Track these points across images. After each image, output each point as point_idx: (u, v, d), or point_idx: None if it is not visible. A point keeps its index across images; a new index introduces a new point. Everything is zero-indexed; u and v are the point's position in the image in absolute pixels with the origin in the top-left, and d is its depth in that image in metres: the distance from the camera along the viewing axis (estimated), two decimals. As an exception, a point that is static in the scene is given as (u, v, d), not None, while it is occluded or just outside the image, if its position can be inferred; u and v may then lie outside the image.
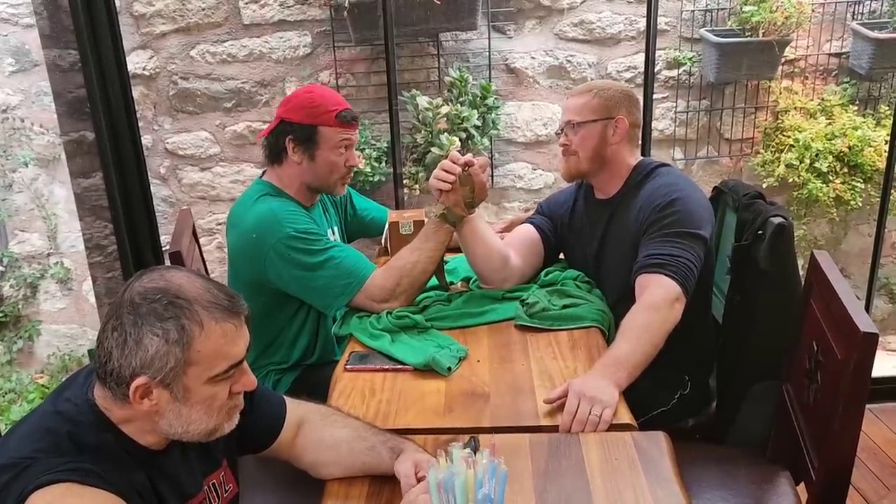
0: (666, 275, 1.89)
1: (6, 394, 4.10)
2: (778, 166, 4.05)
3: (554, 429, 1.62)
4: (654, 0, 2.79)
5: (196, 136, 4.00)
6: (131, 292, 1.20)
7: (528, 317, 2.02)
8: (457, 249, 2.18)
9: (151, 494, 1.25)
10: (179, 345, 1.18)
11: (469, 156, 2.06)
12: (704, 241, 1.98)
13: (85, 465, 1.16)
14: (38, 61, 3.89)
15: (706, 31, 3.97)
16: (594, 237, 2.16)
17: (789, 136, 4.06)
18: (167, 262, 2.40)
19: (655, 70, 3.79)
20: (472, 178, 2.05)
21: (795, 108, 4.12)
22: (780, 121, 4.13)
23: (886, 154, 3.01)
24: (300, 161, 2.15)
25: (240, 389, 1.28)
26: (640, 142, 2.35)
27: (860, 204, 4.05)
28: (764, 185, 4.02)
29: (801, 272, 2.09)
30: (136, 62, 3.79)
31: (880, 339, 1.60)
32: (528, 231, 2.26)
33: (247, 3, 3.82)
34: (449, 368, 1.83)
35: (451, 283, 2.26)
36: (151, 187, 2.95)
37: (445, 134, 3.71)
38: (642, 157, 2.18)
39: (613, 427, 1.61)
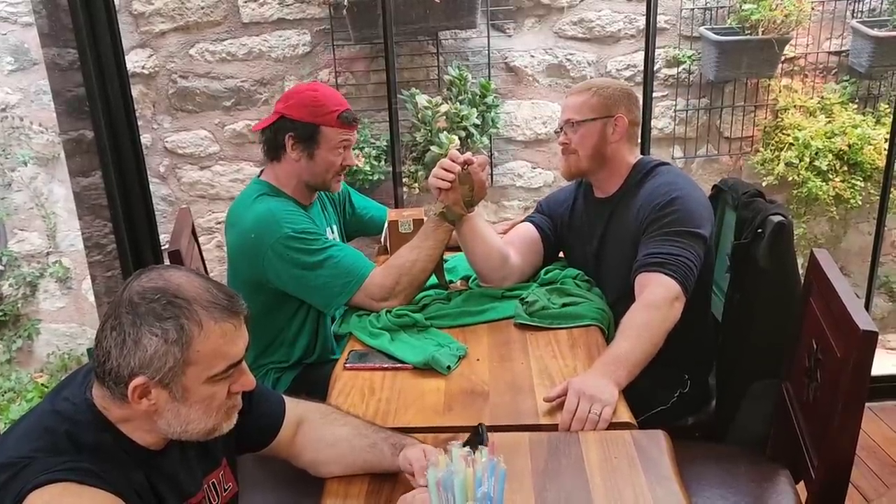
0: (666, 274, 1.89)
1: (5, 393, 4.10)
2: (777, 165, 4.04)
3: (553, 427, 1.62)
4: (653, -2, 2.79)
5: (195, 135, 3.99)
6: (130, 292, 1.20)
7: (528, 315, 2.02)
8: (456, 248, 2.18)
9: (150, 494, 1.25)
10: (178, 345, 1.18)
11: (468, 154, 2.06)
12: (704, 239, 1.98)
13: (83, 464, 1.16)
14: (37, 60, 3.88)
15: (706, 29, 3.97)
16: (594, 236, 2.16)
17: (789, 135, 4.06)
18: (166, 261, 2.40)
19: (655, 68, 3.79)
20: (471, 177, 2.05)
21: (795, 106, 4.12)
22: (779, 119, 4.13)
23: (886, 152, 3.01)
24: (298, 159, 2.15)
25: (238, 389, 1.28)
26: (639, 140, 2.35)
27: (860, 202, 4.05)
28: (763, 184, 4.02)
29: (800, 271, 2.09)
30: (135, 61, 3.79)
31: (880, 337, 1.60)
32: (527, 230, 2.26)
33: (246, 2, 3.82)
34: (448, 367, 1.83)
35: (451, 281, 2.26)
36: (151, 186, 2.95)
37: (445, 132, 3.71)
38: (642, 156, 2.18)
39: (613, 425, 1.61)
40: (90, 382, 1.25)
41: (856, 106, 4.12)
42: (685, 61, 4.04)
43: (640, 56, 3.89)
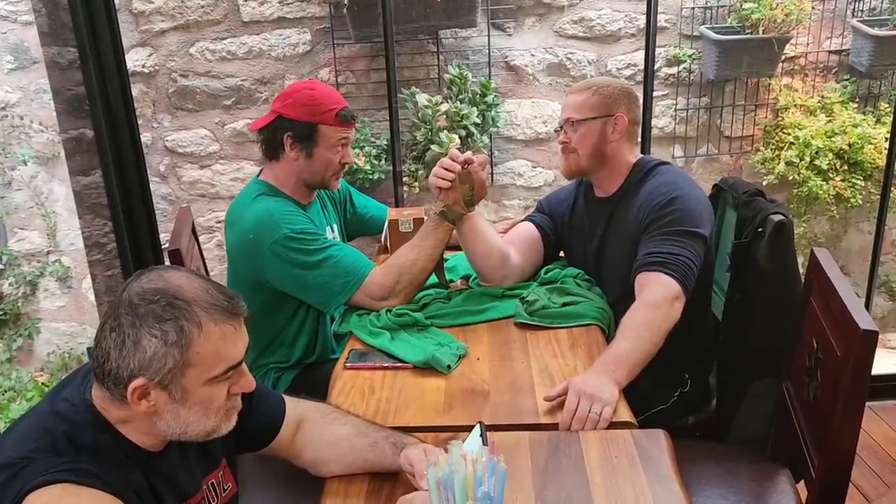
0: (666, 273, 1.89)
1: (5, 392, 4.10)
2: (778, 164, 4.04)
3: (554, 427, 1.62)
4: (653, -3, 2.79)
5: (195, 134, 3.99)
6: (130, 292, 1.20)
7: (528, 314, 2.02)
8: (456, 247, 2.18)
9: (149, 495, 1.25)
10: (178, 346, 1.18)
11: (468, 153, 2.06)
12: (704, 239, 1.98)
13: (82, 465, 1.16)
14: (37, 59, 3.88)
15: (706, 28, 3.97)
16: (594, 235, 2.16)
17: (789, 134, 4.06)
18: (167, 260, 2.40)
19: (655, 67, 3.79)
20: (471, 176, 2.05)
21: (795, 105, 4.11)
22: (780, 118, 4.13)
23: (886, 151, 3.01)
24: (297, 158, 2.15)
25: (238, 391, 1.28)
26: (639, 139, 2.35)
27: (860, 201, 4.04)
28: (764, 183, 4.02)
29: (800, 270, 2.09)
30: (135, 60, 3.79)
31: (880, 336, 1.60)
32: (528, 229, 2.26)
33: (246, 1, 3.81)
34: (449, 366, 1.82)
35: (451, 280, 2.26)
36: (151, 185, 2.95)
37: (445, 132, 3.70)
38: (642, 155, 2.18)
39: (613, 425, 1.61)
40: (90, 383, 1.25)
41: (856, 105, 4.12)
42: (685, 60, 4.03)
43: (641, 55, 3.88)
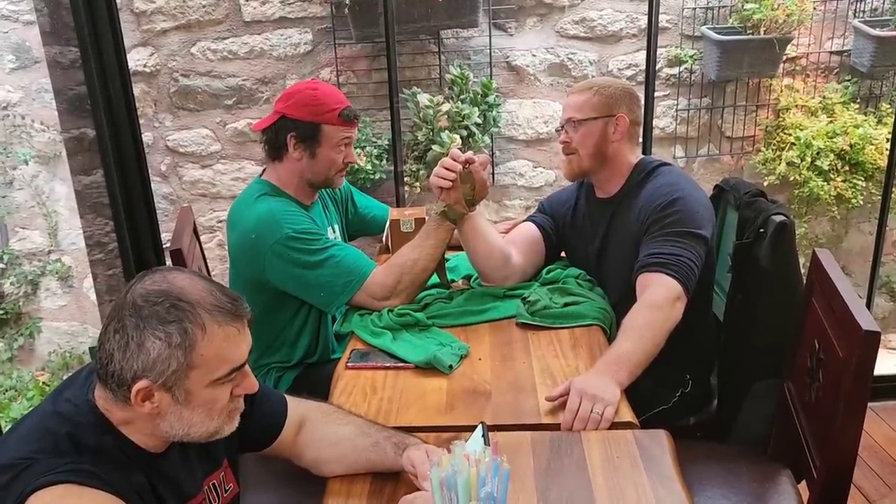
0: (667, 274, 1.89)
1: (6, 391, 4.10)
2: (779, 164, 4.04)
3: (556, 427, 1.62)
4: (655, -3, 2.79)
5: (197, 134, 3.99)
6: (133, 294, 1.20)
7: (530, 315, 2.02)
8: (458, 247, 2.18)
9: (151, 496, 1.25)
10: (182, 348, 1.18)
11: (470, 153, 2.06)
12: (705, 240, 1.98)
13: (85, 466, 1.16)
14: (38, 58, 3.88)
15: (707, 28, 3.97)
16: (596, 236, 2.16)
17: (790, 134, 4.05)
18: (168, 260, 2.40)
19: (656, 68, 3.78)
20: (472, 176, 2.05)
21: (797, 105, 4.11)
22: (781, 119, 4.13)
23: (888, 152, 3.01)
24: (300, 158, 2.15)
25: (241, 392, 1.28)
26: (640, 140, 2.35)
27: (861, 202, 4.04)
28: (765, 184, 4.01)
29: (802, 271, 2.09)
30: (136, 59, 3.78)
31: (881, 337, 1.60)
32: (529, 229, 2.26)
33: (247, 1, 3.81)
34: (450, 366, 1.83)
35: (453, 280, 2.26)
36: (152, 185, 2.95)
37: (446, 132, 3.70)
38: (643, 156, 2.18)
39: (615, 425, 1.61)
40: (92, 384, 1.25)
41: (857, 106, 4.11)
42: (687, 61, 4.03)
43: (642, 55, 3.88)
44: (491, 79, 3.87)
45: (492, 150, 4.02)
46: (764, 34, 3.87)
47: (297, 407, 1.53)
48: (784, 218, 1.98)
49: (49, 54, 2.77)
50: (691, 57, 4.03)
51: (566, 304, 2.05)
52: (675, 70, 4.06)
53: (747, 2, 3.87)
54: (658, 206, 1.99)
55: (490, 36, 3.90)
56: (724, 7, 4.01)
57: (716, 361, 2.25)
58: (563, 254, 2.32)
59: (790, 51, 4.03)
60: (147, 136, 3.81)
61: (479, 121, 3.77)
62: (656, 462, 1.49)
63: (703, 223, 1.98)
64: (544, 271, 2.22)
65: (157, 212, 2.98)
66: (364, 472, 1.48)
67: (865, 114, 4.12)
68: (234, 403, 1.28)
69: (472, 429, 1.48)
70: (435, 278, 2.19)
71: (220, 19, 3.83)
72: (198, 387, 1.21)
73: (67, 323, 4.38)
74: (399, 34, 3.48)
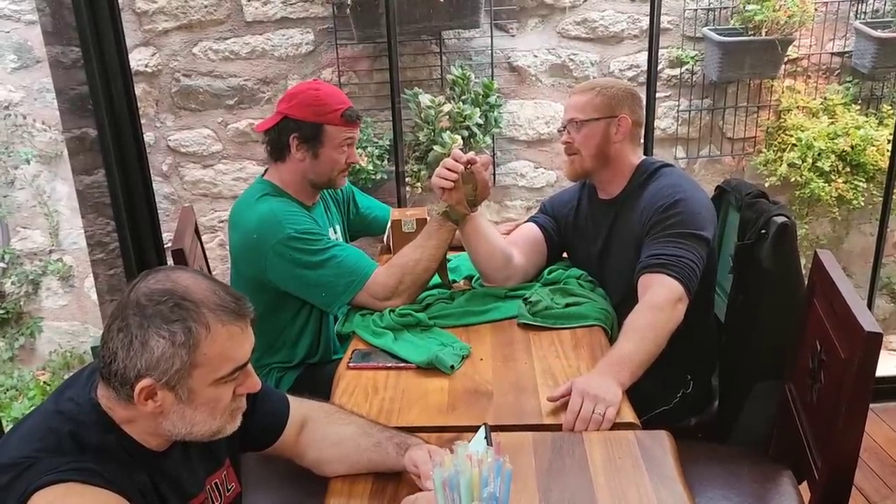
0: (669, 275, 1.89)
1: (7, 391, 4.10)
2: (780, 165, 4.04)
3: (557, 427, 1.62)
4: (657, -2, 2.79)
5: (198, 134, 3.99)
6: (137, 293, 1.20)
7: (531, 315, 2.02)
8: (459, 247, 2.18)
9: (153, 495, 1.25)
10: (185, 347, 1.18)
11: (471, 154, 2.06)
12: (707, 241, 1.98)
13: (87, 464, 1.16)
14: (40, 58, 3.88)
15: (709, 29, 3.96)
16: (598, 237, 2.16)
17: (792, 136, 4.05)
18: (169, 260, 2.40)
19: (658, 69, 3.78)
20: (474, 177, 2.06)
21: (798, 107, 4.11)
22: (782, 120, 4.13)
23: (889, 153, 3.01)
24: (303, 159, 2.15)
25: (244, 392, 1.28)
26: (642, 140, 2.35)
27: (862, 203, 4.04)
28: (766, 185, 4.01)
29: (803, 271, 2.09)
30: (138, 59, 3.78)
31: (882, 338, 1.60)
32: (531, 230, 2.26)
33: (249, 1, 3.81)
34: (452, 367, 1.83)
35: (454, 281, 2.26)
36: (153, 184, 2.95)
37: (448, 132, 3.70)
38: (645, 157, 2.18)
39: (617, 426, 1.61)
40: (95, 382, 1.25)
41: (859, 107, 4.11)
42: (688, 62, 4.03)
43: (643, 56, 3.88)
44: (492, 79, 3.87)
45: (493, 151, 4.02)
46: (765, 35, 3.86)
47: (299, 407, 1.53)
48: (785, 219, 1.98)
49: (51, 54, 2.77)
50: (693, 58, 4.03)
51: (568, 305, 2.05)
52: (677, 71, 4.06)
53: (749, 3, 3.86)
54: (660, 207, 1.99)
55: (491, 36, 3.90)
56: (725, 8, 4.01)
57: (717, 362, 2.25)
58: (564, 255, 2.32)
59: (791, 52, 4.03)
60: (148, 136, 3.81)
61: (481, 121, 3.77)
62: (658, 463, 1.49)
63: (704, 224, 1.99)
64: (546, 272, 2.22)
65: (159, 212, 2.98)
66: (366, 472, 1.48)
67: (867, 115, 4.12)
68: (237, 403, 1.28)
69: (473, 429, 1.48)
70: (436, 279, 2.19)
71: (221, 19, 3.84)
72: (201, 386, 1.21)
73: (68, 323, 4.38)
74: (400, 34, 3.47)
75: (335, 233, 2.34)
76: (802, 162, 3.99)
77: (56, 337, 4.37)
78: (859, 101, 4.14)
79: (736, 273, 2.11)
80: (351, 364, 1.88)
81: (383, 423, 1.55)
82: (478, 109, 3.76)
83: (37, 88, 4.02)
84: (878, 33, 3.91)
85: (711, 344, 2.22)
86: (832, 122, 4.04)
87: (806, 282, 1.98)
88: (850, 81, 4.16)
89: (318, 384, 1.92)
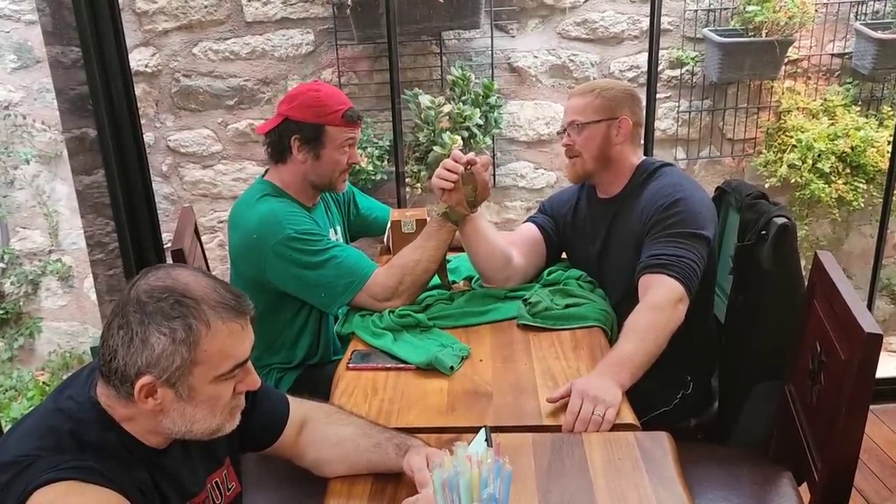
0: (669, 275, 1.89)
1: (6, 391, 4.10)
2: (780, 166, 4.04)
3: (557, 428, 1.62)
4: (657, -1, 2.79)
5: (198, 134, 3.99)
6: (137, 290, 1.20)
7: (531, 316, 2.02)
8: (459, 248, 2.18)
9: (154, 493, 1.25)
10: (186, 344, 1.18)
11: (471, 155, 2.06)
12: (707, 241, 1.98)
13: (87, 462, 1.16)
14: (40, 58, 3.88)
15: (709, 30, 3.97)
16: (597, 237, 2.16)
17: (792, 137, 4.05)
18: (169, 260, 2.40)
19: (658, 70, 3.78)
20: (474, 177, 2.06)
21: (798, 108, 4.11)
22: (782, 121, 4.13)
23: (889, 155, 3.01)
24: (305, 160, 2.15)
25: (244, 389, 1.28)
26: (642, 141, 2.35)
27: (862, 205, 4.04)
28: (766, 186, 4.01)
29: (803, 272, 2.08)
30: (138, 59, 3.78)
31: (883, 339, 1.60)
32: (530, 230, 2.26)
33: (249, 1, 3.81)
34: (451, 367, 1.82)
35: (454, 281, 2.26)
36: (153, 185, 2.95)
37: (447, 133, 3.70)
38: (645, 157, 2.18)
39: (616, 427, 1.61)
40: (94, 381, 1.25)
41: (859, 108, 4.12)
42: (688, 63, 4.03)
43: (644, 57, 3.88)
44: (492, 80, 3.87)
45: (493, 152, 4.02)
46: (765, 36, 3.87)
47: (298, 407, 1.53)
48: (785, 220, 1.98)
49: (51, 54, 2.77)
50: (693, 59, 4.03)
51: (567, 306, 2.05)
52: (677, 72, 4.06)
53: (749, 4, 3.87)
54: (660, 206, 1.99)
55: (492, 37, 3.90)
56: (725, 9, 4.01)
57: (717, 363, 2.25)
58: (563, 255, 2.32)
59: (791, 53, 4.03)
60: (148, 137, 3.81)
61: (481, 122, 3.77)
62: (657, 464, 1.49)
63: (705, 224, 1.98)
64: (545, 273, 2.22)
65: (158, 212, 2.98)
66: (365, 472, 1.48)
67: (867, 116, 4.12)
68: (236, 401, 1.28)
69: (472, 430, 1.48)
70: (436, 279, 2.19)
71: (221, 20, 3.84)
72: (201, 383, 1.21)
73: (68, 323, 4.38)
74: (401, 35, 3.48)
75: (336, 233, 2.34)
76: (802, 163, 3.99)
77: (55, 337, 4.37)
78: (859, 103, 4.14)
79: (736, 274, 2.11)
80: (350, 365, 1.88)
81: (383, 424, 1.55)
82: (478, 110, 3.76)
83: (37, 88, 4.02)
84: (879, 34, 3.92)
85: (711, 345, 2.22)
86: (832, 124, 4.05)
87: (806, 283, 1.98)
88: (850, 83, 4.16)
89: (317, 385, 1.92)
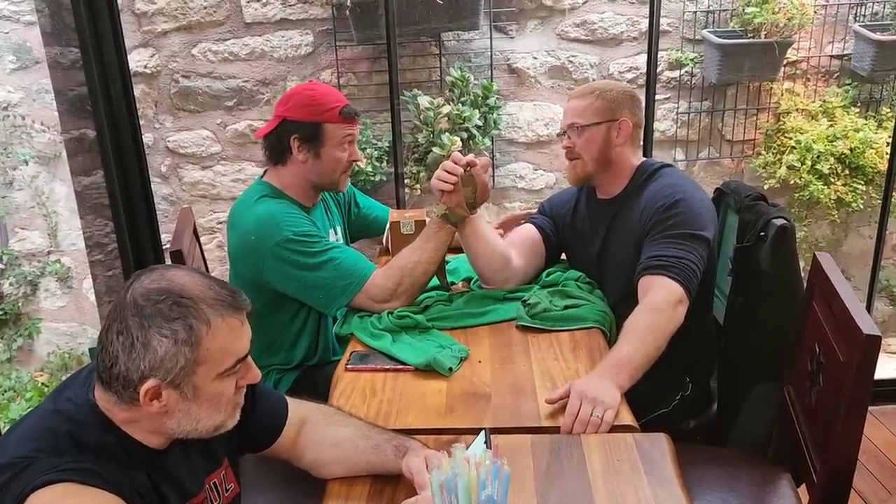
0: (669, 277, 1.88)
1: (5, 392, 4.10)
2: (779, 168, 4.04)
3: (555, 430, 1.61)
4: (656, 1, 2.79)
5: (197, 135, 3.99)
6: (133, 294, 1.19)
7: (530, 317, 2.02)
8: (458, 249, 2.18)
9: (153, 494, 1.24)
10: (188, 344, 1.18)
11: (471, 156, 2.06)
12: (707, 242, 1.98)
13: (85, 464, 1.16)
14: (39, 59, 3.89)
15: (708, 32, 3.97)
16: (596, 238, 2.16)
17: (791, 138, 4.06)
18: (168, 261, 2.40)
19: (657, 71, 3.79)
20: (474, 179, 2.05)
21: (797, 109, 4.12)
22: (781, 122, 4.13)
23: (888, 156, 3.01)
24: (305, 160, 2.15)
25: (246, 383, 1.28)
26: (641, 142, 2.35)
27: (861, 206, 4.05)
28: (765, 187, 4.02)
29: (802, 274, 2.08)
30: (137, 60, 3.79)
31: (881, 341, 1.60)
32: (529, 231, 2.26)
33: (248, 2, 3.82)
34: (450, 369, 1.82)
35: (453, 283, 2.25)
36: (152, 185, 2.95)
37: (447, 134, 3.71)
38: (645, 158, 2.18)
39: (615, 428, 1.61)
40: (92, 383, 1.24)
41: (858, 109, 4.12)
42: (687, 64, 4.04)
43: (643, 58, 3.89)
44: (492, 81, 3.88)
45: (492, 153, 4.02)
46: (765, 38, 3.87)
47: (297, 408, 1.53)
48: (784, 221, 1.98)
49: (50, 55, 2.77)
50: (692, 60, 4.03)
51: (566, 307, 2.05)
52: (676, 73, 4.07)
53: (748, 5, 3.87)
54: (660, 207, 1.99)
55: (491, 38, 3.91)
56: (724, 11, 4.01)
57: (716, 364, 2.24)
58: (563, 256, 2.32)
59: (791, 54, 4.04)
60: (147, 137, 3.81)
61: (480, 123, 3.78)
62: (656, 465, 1.49)
63: (705, 224, 1.98)
64: (544, 274, 2.22)
65: (157, 213, 2.98)
66: (364, 474, 1.48)
67: (866, 118, 4.13)
68: (237, 397, 1.28)
69: (471, 431, 1.48)
70: (435, 281, 2.19)
71: (221, 21, 3.84)
72: (205, 381, 1.21)
73: (66, 324, 4.38)
74: (400, 36, 3.48)
75: (336, 234, 2.34)
76: (801, 164, 4.00)
77: (54, 338, 4.37)
78: (858, 104, 4.15)
79: (735, 275, 2.11)
80: (349, 366, 1.88)
81: (382, 426, 1.55)
82: (477, 111, 3.76)
83: (36, 89, 4.03)
84: (878, 36, 3.92)
85: (710, 346, 2.22)
86: (831, 125, 4.05)
87: (805, 284, 1.98)
88: (849, 84, 4.16)
89: (316, 386, 1.91)
